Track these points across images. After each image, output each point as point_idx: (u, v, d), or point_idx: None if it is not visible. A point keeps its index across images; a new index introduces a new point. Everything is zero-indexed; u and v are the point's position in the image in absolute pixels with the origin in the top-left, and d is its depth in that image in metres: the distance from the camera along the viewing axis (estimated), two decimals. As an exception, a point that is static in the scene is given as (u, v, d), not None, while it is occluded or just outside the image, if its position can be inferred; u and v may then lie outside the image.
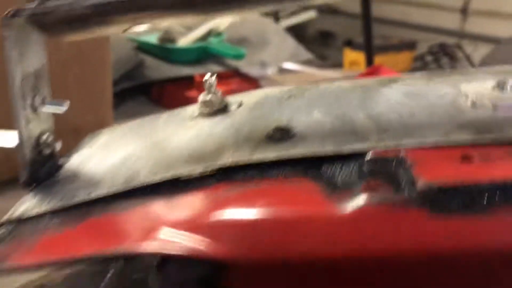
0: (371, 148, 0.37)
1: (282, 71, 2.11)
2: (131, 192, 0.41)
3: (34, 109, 0.46)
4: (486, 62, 3.56)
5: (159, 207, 0.38)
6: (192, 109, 0.54)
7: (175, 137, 0.48)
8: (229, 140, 0.43)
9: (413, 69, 3.66)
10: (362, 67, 2.36)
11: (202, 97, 0.51)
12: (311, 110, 0.46)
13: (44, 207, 0.42)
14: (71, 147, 0.56)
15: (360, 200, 0.32)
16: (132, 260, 0.37)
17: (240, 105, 0.52)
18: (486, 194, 0.31)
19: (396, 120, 0.41)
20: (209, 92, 0.51)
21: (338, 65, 3.32)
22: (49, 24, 0.44)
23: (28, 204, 0.43)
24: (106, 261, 0.36)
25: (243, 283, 0.34)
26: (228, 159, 0.40)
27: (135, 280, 0.36)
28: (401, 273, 0.31)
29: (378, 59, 2.90)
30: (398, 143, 0.37)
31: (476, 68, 0.52)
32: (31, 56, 0.46)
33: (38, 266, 0.37)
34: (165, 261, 0.35)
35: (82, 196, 0.42)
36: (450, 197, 0.31)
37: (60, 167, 0.49)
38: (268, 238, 0.33)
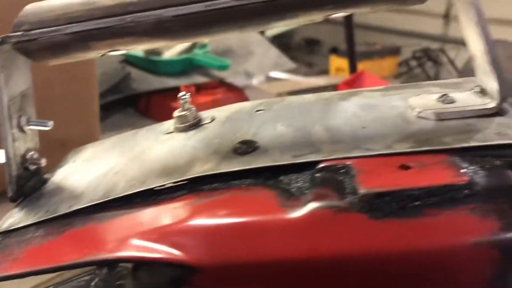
0: (323, 158, 0.41)
1: (269, 79, 2.16)
2: (110, 203, 0.45)
3: (20, 129, 0.50)
4: (469, 66, 3.62)
5: (134, 217, 0.42)
6: (169, 124, 0.58)
7: (151, 151, 0.52)
8: (199, 154, 0.48)
9: (398, 75, 3.73)
10: (347, 73, 2.41)
11: (177, 113, 0.56)
12: (275, 123, 0.51)
13: (30, 219, 0.46)
14: (58, 160, 0.60)
15: (309, 207, 0.37)
16: (114, 267, 0.41)
17: (212, 119, 0.56)
18: (418, 198, 0.35)
19: (349, 132, 0.45)
20: (183, 108, 0.55)
21: (324, 71, 3.38)
22: (33, 50, 0.48)
23: (15, 217, 0.47)
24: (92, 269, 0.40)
25: (210, 284, 0.38)
26: (196, 171, 0.44)
27: (117, 286, 0.40)
28: (345, 273, 0.35)
29: (363, 65, 2.96)
30: (347, 154, 0.41)
31: (429, 82, 0.57)
32: (17, 79, 0.50)
33: (24, 275, 0.41)
34: (139, 266, 0.39)
35: (64, 208, 0.46)
36: (385, 202, 0.35)
37: (45, 181, 0.53)
38: (230, 243, 0.37)
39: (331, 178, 0.39)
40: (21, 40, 0.48)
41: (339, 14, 0.45)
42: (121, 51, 0.48)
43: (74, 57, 0.49)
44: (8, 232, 0.46)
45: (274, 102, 0.57)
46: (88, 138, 1.44)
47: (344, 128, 0.47)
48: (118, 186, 0.46)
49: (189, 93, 0.55)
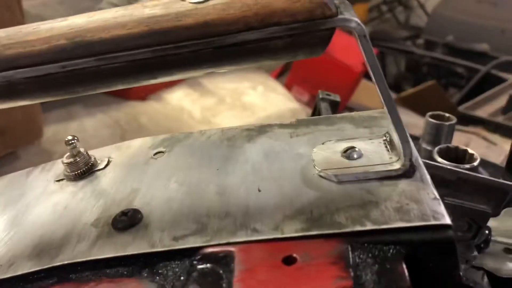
0: (204, 244, 0.36)
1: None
2: None
3: None
4: (438, 11, 3.52)
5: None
6: (62, 166, 0.52)
7: (34, 208, 0.47)
8: (78, 223, 0.42)
9: (369, 20, 3.63)
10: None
11: (65, 159, 0.50)
12: (169, 179, 0.45)
13: None
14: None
15: None
16: None
17: (107, 164, 0.50)
18: None
19: (242, 199, 0.40)
20: (72, 154, 0.49)
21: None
22: None
23: None
24: None
25: None
26: (68, 253, 0.39)
27: None
28: None
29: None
30: (231, 238, 0.36)
31: (344, 115, 0.51)
32: None
33: None
34: None
35: None
36: None
37: None
38: None
39: (210, 273, 0.35)
40: None
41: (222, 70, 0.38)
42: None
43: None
44: None
45: (177, 141, 0.52)
46: (29, 127, 1.37)
47: (239, 190, 0.42)
48: (-15, 265, 0.41)
49: (76, 138, 0.49)
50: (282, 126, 0.50)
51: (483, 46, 3.07)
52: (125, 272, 0.37)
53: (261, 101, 1.70)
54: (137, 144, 0.53)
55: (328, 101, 0.68)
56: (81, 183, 0.49)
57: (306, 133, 0.48)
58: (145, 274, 0.37)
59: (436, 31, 3.41)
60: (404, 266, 0.33)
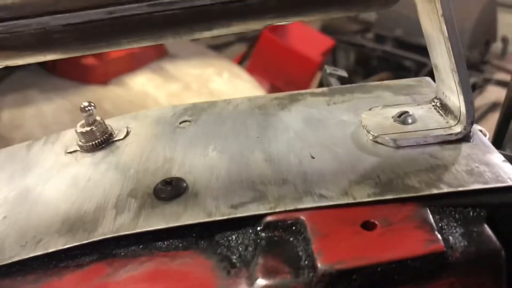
0: (269, 211, 0.33)
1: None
2: None
3: None
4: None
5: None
6: (70, 137, 0.47)
7: (48, 183, 0.42)
8: (110, 195, 0.38)
9: None
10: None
11: (79, 128, 0.45)
12: (206, 147, 0.42)
13: None
14: None
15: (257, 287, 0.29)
16: None
17: (127, 133, 0.46)
18: (390, 275, 0.29)
19: (295, 165, 0.38)
20: (88, 123, 0.44)
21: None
22: None
23: None
24: None
25: None
26: (108, 227, 0.35)
27: None
28: None
29: None
30: (297, 204, 0.33)
31: (376, 83, 0.49)
32: None
33: None
34: None
35: None
36: (351, 281, 0.29)
37: None
38: None
39: (280, 242, 0.32)
40: None
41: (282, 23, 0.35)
42: (-5, 66, 0.36)
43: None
44: None
45: (202, 110, 0.48)
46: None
47: (289, 157, 0.39)
48: (5, 242, 0.36)
49: (93, 104, 0.44)
50: (314, 94, 0.48)
51: (430, 41, 3.17)
52: (179, 245, 0.33)
53: (227, 88, 1.66)
54: (156, 113, 0.48)
55: (336, 76, 0.66)
56: (100, 153, 0.44)
57: (343, 100, 0.46)
58: (203, 246, 0.33)
59: (385, 25, 3.50)
60: (489, 228, 0.32)
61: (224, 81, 1.71)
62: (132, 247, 0.34)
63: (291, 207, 0.33)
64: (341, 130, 0.41)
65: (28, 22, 0.32)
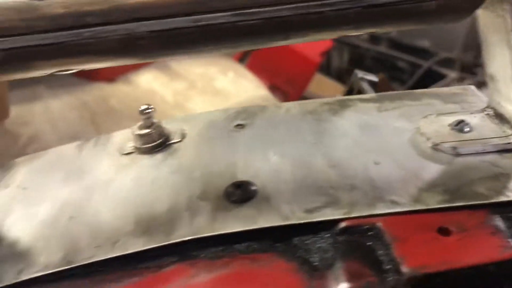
0: (344, 216, 0.34)
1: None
2: (73, 270, 0.35)
3: None
4: None
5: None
6: (122, 139, 0.47)
7: (112, 183, 0.42)
8: (180, 197, 0.39)
9: None
10: None
11: (137, 130, 0.45)
12: (266, 151, 0.43)
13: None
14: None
15: None
16: None
17: (183, 136, 0.46)
18: (472, 279, 0.30)
19: (361, 171, 0.39)
20: (145, 125, 0.45)
21: None
22: None
23: None
24: None
25: None
26: (185, 228, 0.36)
27: None
28: None
29: None
30: (371, 210, 0.35)
31: (423, 91, 0.51)
32: None
33: None
34: None
35: (11, 275, 0.36)
36: (436, 284, 0.30)
37: None
38: None
39: (359, 246, 0.33)
40: None
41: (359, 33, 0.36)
42: (74, 70, 0.36)
43: (10, 76, 0.36)
44: None
45: (254, 114, 0.49)
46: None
47: (353, 163, 0.40)
48: (79, 243, 0.37)
49: (152, 107, 0.45)
50: (363, 100, 0.49)
51: (424, 43, 3.21)
52: (257, 247, 0.34)
53: (232, 87, 1.67)
54: (208, 116, 0.49)
55: (366, 80, 0.68)
56: (158, 156, 0.44)
57: (394, 107, 0.47)
58: (280, 249, 0.34)
59: (380, 26, 3.53)
60: None
61: (229, 80, 1.72)
62: (212, 249, 0.34)
63: (366, 213, 0.35)
64: (397, 137, 0.43)
65: (114, 28, 0.33)
